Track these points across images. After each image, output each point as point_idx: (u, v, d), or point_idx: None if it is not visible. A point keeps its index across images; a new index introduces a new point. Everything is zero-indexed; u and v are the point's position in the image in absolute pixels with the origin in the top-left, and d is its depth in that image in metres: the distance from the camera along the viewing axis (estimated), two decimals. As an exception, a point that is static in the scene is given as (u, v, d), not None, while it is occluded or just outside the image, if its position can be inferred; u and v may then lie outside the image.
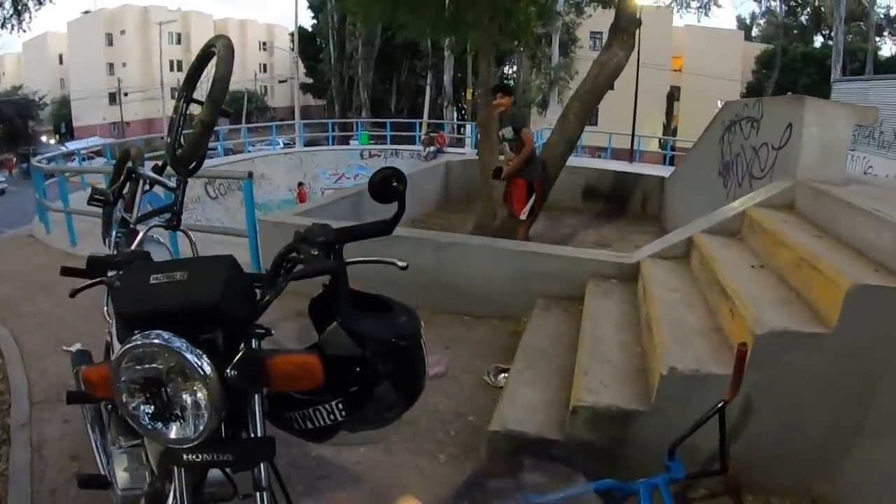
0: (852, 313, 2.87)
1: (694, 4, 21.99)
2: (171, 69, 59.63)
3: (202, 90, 2.88)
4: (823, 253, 3.45)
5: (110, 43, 62.43)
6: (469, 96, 34.58)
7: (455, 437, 3.77)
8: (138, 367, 1.40)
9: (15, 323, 6.00)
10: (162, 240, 3.20)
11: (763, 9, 53.15)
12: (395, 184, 1.57)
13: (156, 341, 1.38)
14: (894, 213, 3.37)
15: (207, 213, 15.72)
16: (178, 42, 64.88)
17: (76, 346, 5.00)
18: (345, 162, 24.99)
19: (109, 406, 2.20)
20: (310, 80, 53.88)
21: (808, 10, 48.30)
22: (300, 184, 21.78)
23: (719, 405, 2.62)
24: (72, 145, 37.06)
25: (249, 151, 25.66)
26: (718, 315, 3.64)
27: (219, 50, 2.54)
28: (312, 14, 52.15)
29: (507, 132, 7.41)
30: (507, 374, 4.22)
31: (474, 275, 5.46)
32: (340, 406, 1.56)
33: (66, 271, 2.02)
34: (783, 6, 48.35)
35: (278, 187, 21.78)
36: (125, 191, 3.20)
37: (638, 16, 9.04)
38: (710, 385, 2.90)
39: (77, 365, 2.57)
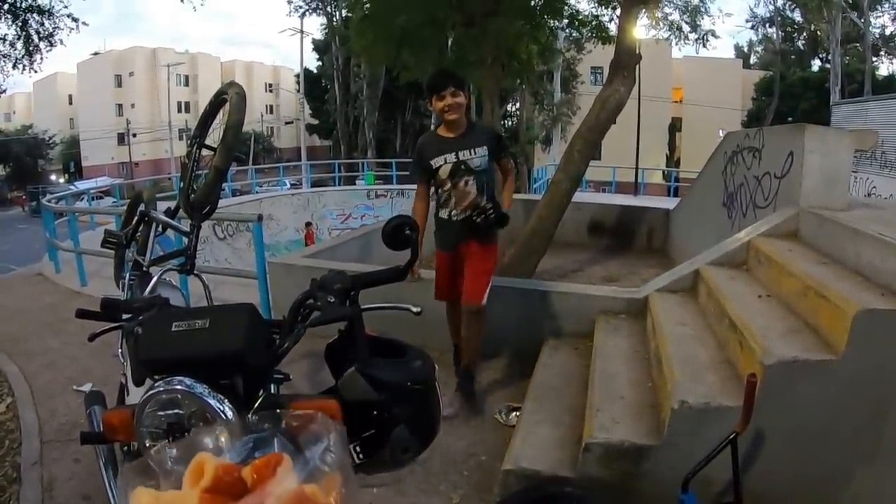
0: (860, 339, 2.89)
1: (692, 37, 22.17)
2: (179, 110, 60.70)
3: (211, 136, 2.97)
4: (829, 280, 3.48)
5: (119, 84, 63.45)
6: (473, 135, 34.75)
7: (468, 478, 3.78)
8: (161, 413, 1.44)
9: (25, 361, 6.05)
10: (174, 282, 3.23)
11: (760, 36, 53.69)
12: (407, 231, 1.62)
13: (178, 387, 1.41)
14: (897, 236, 3.39)
15: (216, 254, 15.77)
16: (186, 84, 65.98)
17: (87, 386, 5.09)
18: (351, 202, 25.06)
19: (125, 448, 2.23)
20: (315, 121, 54.29)
21: (805, 35, 48.60)
22: (308, 224, 21.84)
23: (731, 437, 2.63)
24: (81, 185, 37.54)
25: (257, 192, 25.81)
26: (727, 347, 3.65)
27: (231, 97, 2.61)
28: (317, 56, 52.77)
29: (477, 155, 4.39)
30: (518, 413, 4.23)
31: (486, 316, 5.47)
32: (357, 449, 1.59)
33: (82, 314, 2.05)
34: (780, 33, 48.73)
35: (286, 228, 21.84)
36: (138, 233, 3.24)
37: (637, 51, 9.12)
38: (722, 417, 2.91)
39: (89, 406, 2.59)
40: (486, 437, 4.22)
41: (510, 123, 38.55)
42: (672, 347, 3.72)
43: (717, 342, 3.85)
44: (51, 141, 62.58)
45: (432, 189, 4.62)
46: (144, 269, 3.02)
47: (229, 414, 1.41)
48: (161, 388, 1.43)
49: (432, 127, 43.47)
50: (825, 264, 3.90)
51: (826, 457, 3.08)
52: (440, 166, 4.42)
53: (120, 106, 62.67)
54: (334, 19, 44.88)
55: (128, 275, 3.05)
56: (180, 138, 55.74)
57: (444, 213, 4.58)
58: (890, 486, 2.97)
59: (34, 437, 4.52)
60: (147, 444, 1.44)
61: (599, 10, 14.08)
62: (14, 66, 15.34)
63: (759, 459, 3.02)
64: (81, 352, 6.04)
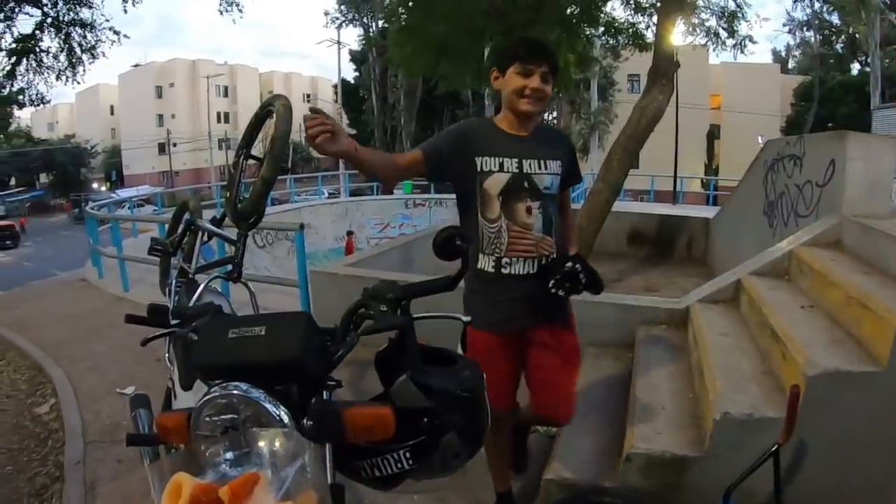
0: (905, 350, 2.85)
1: (729, 42, 21.90)
2: (219, 121, 61.70)
3: (252, 147, 3.04)
4: (873, 290, 3.44)
5: (160, 95, 64.96)
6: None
7: (510, 486, 3.78)
8: (216, 418, 1.48)
9: (69, 365, 6.21)
10: (219, 290, 3.30)
11: (798, 40, 52.83)
12: (458, 242, 1.66)
13: (235, 392, 1.46)
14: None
15: (255, 262, 15.93)
16: (226, 95, 67.09)
17: (130, 389, 5.20)
18: (390, 211, 25.13)
19: (172, 450, 2.28)
20: (353, 131, 54.33)
21: (843, 38, 47.74)
22: (349, 233, 21.92)
23: (773, 448, 2.63)
24: (123, 193, 38.23)
25: (295, 201, 26.03)
26: (770, 358, 3.64)
27: (278, 109, 2.67)
28: (355, 67, 53.04)
29: (549, 171, 2.80)
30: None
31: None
32: (408, 455, 1.63)
33: (130, 319, 2.12)
34: (818, 36, 47.92)
35: (324, 237, 21.96)
36: (184, 242, 3.32)
37: (675, 58, 9.08)
38: (764, 428, 2.90)
39: (135, 409, 2.65)
40: (528, 446, 4.21)
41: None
42: (714, 358, 3.71)
43: (759, 353, 3.82)
44: (93, 150, 64.19)
45: (463, 214, 2.86)
46: (190, 276, 3.09)
47: (285, 418, 1.44)
48: (218, 393, 1.48)
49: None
50: (868, 274, 3.87)
51: (868, 469, 3.04)
52: (491, 173, 2.69)
53: (160, 116, 63.97)
54: (371, 30, 45.14)
55: (174, 282, 3.12)
56: (220, 148, 56.58)
57: (488, 263, 2.77)
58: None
59: (78, 437, 4.63)
60: (202, 448, 1.48)
61: (636, 17, 14.04)
62: (57, 78, 15.69)
63: (801, 471, 3.00)
64: (125, 356, 6.17)
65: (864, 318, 3.24)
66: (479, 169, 2.70)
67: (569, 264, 2.69)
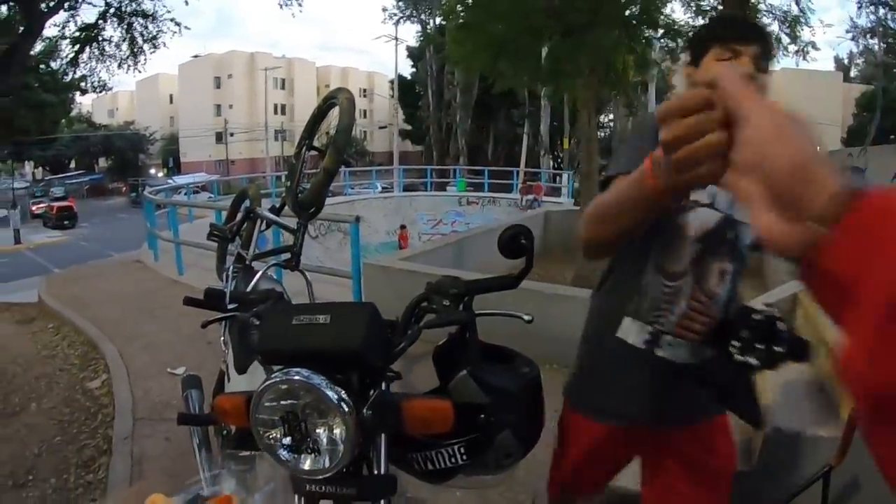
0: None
1: (791, 48, 21.50)
2: (275, 112, 62.54)
3: (314, 138, 3.07)
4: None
5: (218, 86, 65.99)
6: (566, 145, 34.58)
7: (553, 489, 3.78)
8: (276, 403, 1.48)
9: (122, 343, 6.38)
10: (275, 278, 3.34)
11: (861, 48, 51.52)
12: (523, 241, 1.65)
13: (297, 378, 1.46)
14: None
15: (307, 252, 15.90)
16: (283, 87, 67.92)
17: (181, 370, 5.30)
18: (442, 208, 25.20)
19: (225, 431, 2.31)
20: (408, 127, 54.85)
21: (908, 46, 46.48)
22: (402, 227, 22.10)
23: (825, 469, 2.58)
24: (180, 179, 39.01)
25: (349, 194, 26.23)
26: (825, 376, 3.57)
27: (341, 102, 2.69)
28: (412, 63, 53.38)
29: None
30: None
31: (577, 327, 5.43)
32: (462, 450, 1.63)
33: (189, 301, 2.16)
34: (882, 44, 46.60)
35: (376, 230, 22.09)
36: (243, 229, 3.37)
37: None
38: (815, 448, 2.86)
39: (186, 389, 2.70)
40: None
41: (603, 134, 38.18)
42: (767, 372, 3.65)
43: (813, 370, 3.76)
44: (151, 137, 65.48)
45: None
46: (247, 262, 3.14)
47: (345, 407, 1.46)
48: (279, 378, 1.48)
49: (525, 138, 40.06)
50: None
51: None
52: (695, 207, 1.80)
53: (218, 106, 64.93)
54: (429, 27, 45.32)
55: (231, 267, 3.17)
56: (276, 139, 57.28)
57: (637, 334, 1.92)
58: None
59: (127, 413, 4.73)
60: (261, 432, 1.50)
61: (696, 19, 13.87)
62: (119, 66, 16.03)
63: (850, 496, 2.94)
64: (176, 337, 6.30)
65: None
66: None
67: (760, 311, 1.75)
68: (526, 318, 1.82)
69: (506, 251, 1.65)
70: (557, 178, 33.34)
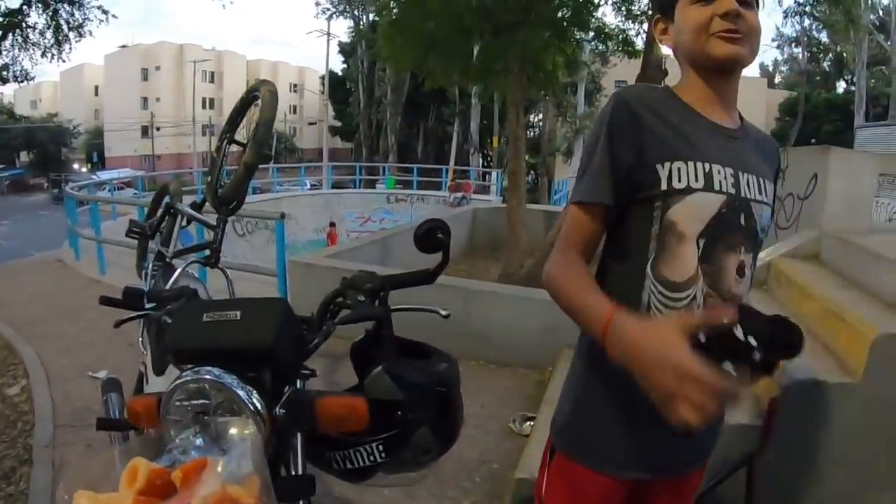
0: (879, 363, 2.88)
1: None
2: (204, 106, 61.31)
3: (236, 132, 3.00)
4: (849, 304, 3.47)
5: (145, 78, 64.21)
6: (495, 144, 34.85)
7: (480, 485, 3.79)
8: (187, 403, 1.44)
9: (41, 345, 6.13)
10: (196, 275, 3.27)
11: (785, 56, 53.45)
12: (440, 235, 1.63)
13: (207, 377, 1.42)
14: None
15: (234, 251, 15.85)
16: (212, 81, 66.58)
17: (102, 373, 5.14)
18: (371, 205, 25.20)
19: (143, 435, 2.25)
20: (338, 124, 54.50)
21: (831, 56, 48.37)
22: (331, 224, 21.93)
23: (748, 457, 2.64)
24: (104, 175, 37.80)
25: (277, 191, 25.97)
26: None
27: (263, 95, 2.65)
28: (343, 59, 53.04)
29: (766, 195, 1.55)
30: (532, 423, 4.24)
31: (502, 323, 5.49)
32: (380, 448, 1.60)
33: (105, 301, 2.08)
34: (806, 53, 48.50)
35: (304, 228, 21.92)
36: (163, 225, 3.29)
37: (663, 66, 9.11)
38: (741, 437, 2.91)
39: (106, 392, 2.62)
40: (500, 445, 4.24)
41: (532, 134, 38.55)
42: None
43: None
44: (75, 130, 63.31)
45: (610, 258, 1.60)
46: (167, 260, 3.06)
47: (258, 405, 1.42)
48: (189, 378, 1.43)
49: (455, 136, 40.22)
50: (846, 288, 3.89)
51: (840, 482, 3.06)
52: (688, 193, 1.42)
53: (145, 99, 63.33)
54: (361, 23, 45.14)
55: (150, 265, 3.09)
56: (203, 134, 56.23)
57: None
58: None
59: (48, 420, 4.56)
60: (172, 433, 1.45)
61: (627, 24, 14.09)
62: (43, 55, 15.62)
63: (774, 481, 3.02)
64: (98, 339, 6.11)
65: (841, 331, 3.26)
66: (664, 184, 1.44)
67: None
68: (443, 312, 1.80)
69: (422, 245, 1.63)
70: (487, 177, 33.64)
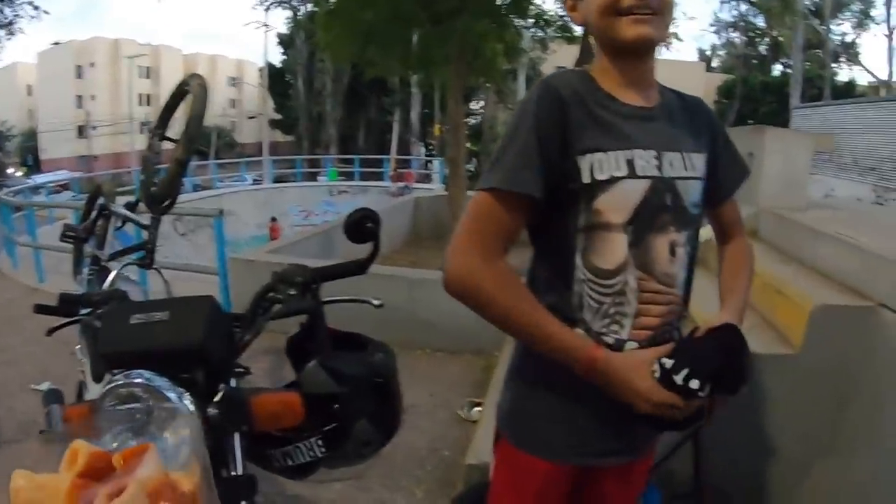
0: (817, 333, 2.94)
1: (655, 39, 23.01)
2: (141, 103, 59.63)
3: (172, 128, 2.93)
4: (787, 277, 3.53)
5: (80, 75, 62.31)
6: (437, 132, 34.87)
7: (431, 473, 3.80)
8: (120, 407, 1.41)
9: (-20, 360, 5.93)
10: (134, 277, 3.20)
11: (723, 40, 54.42)
12: (369, 224, 1.60)
13: (137, 381, 1.39)
14: (855, 235, 3.47)
15: (176, 251, 15.61)
16: (148, 76, 64.89)
17: (45, 385, 4.95)
18: (313, 199, 25.05)
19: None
20: (278, 117, 53.81)
21: (767, 40, 49.47)
22: (273, 219, 21.79)
23: (694, 430, 2.67)
24: (39, 178, 36.85)
25: (218, 187, 25.68)
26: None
27: (193, 89, 2.58)
28: (282, 50, 52.30)
29: (696, 170, 1.54)
30: (481, 409, 4.26)
31: (448, 311, 5.45)
32: (320, 443, 1.59)
33: (39, 309, 2.02)
34: (742, 37, 49.54)
35: (247, 224, 21.68)
36: (97, 227, 3.20)
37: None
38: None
39: (48, 404, 2.55)
40: (449, 432, 4.25)
41: (475, 121, 38.64)
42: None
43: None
44: (8, 133, 61.36)
45: (542, 256, 1.59)
46: (103, 263, 2.99)
47: (189, 408, 1.39)
48: (120, 382, 1.41)
49: (396, 126, 40.15)
50: (784, 262, 3.96)
51: (784, 451, 3.12)
52: (612, 183, 1.40)
53: (80, 98, 61.60)
54: (300, 13, 44.62)
55: (86, 269, 3.01)
56: (141, 132, 54.80)
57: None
58: (847, 479, 3.02)
59: (-8, 435, 4.42)
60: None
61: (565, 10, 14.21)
62: (-28, 55, 15.10)
63: (721, 452, 3.06)
64: (40, 349, 5.93)
65: (779, 304, 3.31)
66: (585, 177, 1.40)
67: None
68: (375, 302, 1.79)
69: (352, 236, 1.60)
70: (429, 165, 33.68)
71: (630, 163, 1.40)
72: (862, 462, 2.95)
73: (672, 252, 1.47)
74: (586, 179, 1.38)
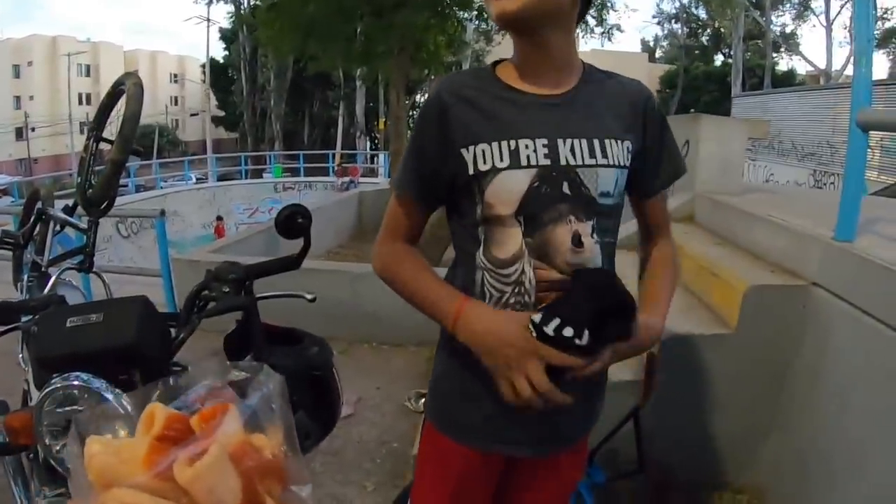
0: (751, 313, 3.03)
1: (598, 30, 23.19)
2: (80, 102, 57.88)
3: (109, 129, 2.88)
4: (722, 259, 3.63)
5: (17, 75, 59.93)
6: (382, 126, 34.81)
7: (381, 465, 3.82)
8: (59, 410, 1.42)
9: (-79, 376, 5.77)
10: (75, 283, 3.15)
11: (665, 31, 55.32)
12: (300, 220, 1.61)
13: (75, 383, 1.40)
14: (787, 217, 3.56)
15: (120, 253, 15.35)
16: (88, 74, 62.98)
17: (-9, 397, 4.85)
18: (259, 196, 24.80)
19: (31, 455, 2.16)
20: (222, 113, 53.12)
21: (709, 31, 50.37)
22: (219, 218, 21.50)
23: (633, 410, 2.72)
24: (-23, 183, 35.84)
25: (161, 187, 25.27)
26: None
27: (128, 88, 2.54)
28: (224, 45, 51.55)
29: (611, 158, 1.44)
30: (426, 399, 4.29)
31: (391, 304, 5.45)
32: (259, 437, 1.60)
33: None
34: (685, 28, 50.41)
35: (191, 224, 21.42)
36: (36, 233, 3.15)
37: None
38: (624, 392, 2.99)
39: None
40: (397, 424, 4.27)
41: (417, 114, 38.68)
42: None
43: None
44: (-56, 136, 59.52)
45: (457, 250, 1.58)
46: (43, 269, 2.93)
47: (127, 408, 1.39)
48: (58, 385, 1.42)
49: (341, 120, 39.88)
50: (719, 245, 4.05)
51: (729, 424, 3.23)
52: (494, 173, 1.40)
53: (18, 98, 59.46)
54: (242, 7, 44.01)
55: (26, 276, 2.96)
56: (81, 132, 53.33)
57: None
58: (786, 449, 3.13)
59: (-65, 454, 4.30)
60: (48, 443, 1.44)
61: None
62: None
63: (662, 430, 3.12)
64: (-19, 363, 5.80)
65: (714, 286, 3.40)
66: (470, 168, 1.42)
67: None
68: (308, 297, 1.80)
69: (284, 231, 1.61)
70: (374, 159, 33.61)
71: (514, 153, 1.39)
72: (799, 433, 3.06)
73: (577, 242, 1.42)
74: (471, 171, 1.40)
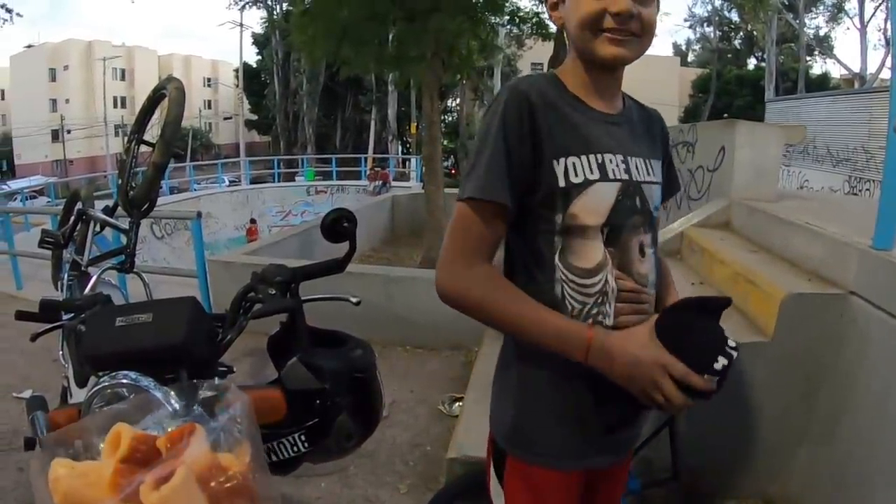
0: (788, 321, 3.01)
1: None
2: (115, 105, 58.65)
3: (149, 132, 2.93)
4: (759, 267, 3.60)
5: (53, 78, 60.82)
6: (413, 130, 34.84)
7: (414, 468, 3.83)
8: (107, 408, 1.40)
9: (-41, 371, 5.86)
10: (113, 282, 3.19)
11: (698, 35, 54.86)
12: (345, 224, 1.63)
13: (124, 381, 1.41)
14: (824, 224, 3.53)
15: (154, 254, 15.51)
16: (123, 78, 63.75)
17: (27, 393, 4.94)
18: (291, 199, 24.95)
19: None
20: (254, 117, 53.46)
21: (741, 34, 49.86)
22: (252, 221, 21.65)
23: (669, 418, 2.72)
24: (14, 184, 36.26)
25: (195, 190, 25.49)
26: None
27: (170, 92, 2.59)
28: (257, 50, 51.88)
29: (655, 175, 1.58)
30: (461, 404, 4.29)
31: (425, 307, 5.52)
32: (303, 438, 1.62)
33: (21, 316, 2.03)
34: (717, 32, 49.93)
35: (225, 226, 21.60)
36: (76, 233, 3.19)
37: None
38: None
39: (31, 411, 2.54)
40: (431, 427, 4.29)
41: (450, 119, 38.63)
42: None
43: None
44: (-19, 138, 60.48)
45: (518, 261, 1.52)
46: (83, 268, 2.97)
47: (176, 406, 1.41)
48: (107, 383, 1.43)
49: (373, 124, 39.83)
50: (755, 252, 4.02)
51: (762, 433, 3.20)
52: (587, 185, 1.41)
53: (54, 101, 60.32)
54: (275, 13, 44.33)
55: (66, 275, 3.00)
56: (116, 134, 54.13)
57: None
58: (820, 463, 3.09)
59: (-26, 446, 4.37)
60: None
61: (540, 6, 14.21)
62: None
63: (697, 439, 3.11)
64: (20, 357, 5.88)
65: (751, 293, 3.37)
66: (561, 181, 1.40)
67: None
68: (353, 300, 1.81)
69: (329, 236, 1.63)
70: (406, 163, 33.62)
71: (602, 166, 1.41)
72: (835, 444, 3.02)
73: (641, 252, 1.50)
74: (562, 183, 1.39)
